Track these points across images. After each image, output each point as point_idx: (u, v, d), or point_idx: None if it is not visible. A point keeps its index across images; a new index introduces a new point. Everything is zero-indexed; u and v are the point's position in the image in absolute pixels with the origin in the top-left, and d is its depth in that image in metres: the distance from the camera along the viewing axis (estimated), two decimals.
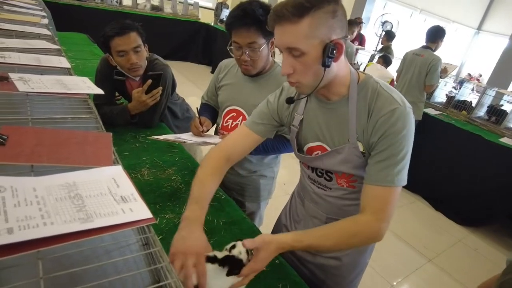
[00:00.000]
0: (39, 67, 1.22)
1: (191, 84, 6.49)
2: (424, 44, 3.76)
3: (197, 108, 1.58)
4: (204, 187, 0.98)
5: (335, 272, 1.19)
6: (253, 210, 1.73)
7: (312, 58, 0.83)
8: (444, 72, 4.00)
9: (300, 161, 1.16)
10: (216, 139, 1.46)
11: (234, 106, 1.54)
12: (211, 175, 1.02)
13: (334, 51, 0.81)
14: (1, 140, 0.66)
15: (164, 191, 1.37)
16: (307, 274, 1.21)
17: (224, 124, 1.57)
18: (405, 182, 0.89)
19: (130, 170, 1.45)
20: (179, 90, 2.09)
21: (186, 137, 1.49)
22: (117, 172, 0.66)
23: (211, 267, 0.77)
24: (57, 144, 0.72)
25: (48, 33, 1.77)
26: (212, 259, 0.78)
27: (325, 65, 0.82)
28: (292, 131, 1.09)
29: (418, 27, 10.13)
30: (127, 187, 0.62)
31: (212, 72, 7.39)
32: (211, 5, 11.60)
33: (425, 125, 3.78)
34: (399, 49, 5.73)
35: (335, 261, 1.17)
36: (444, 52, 4.32)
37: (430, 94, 4.23)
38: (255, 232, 1.24)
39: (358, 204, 1.04)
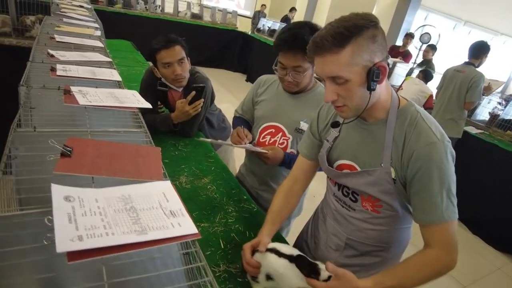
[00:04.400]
0: (94, 80, 1.33)
1: (225, 91, 6.63)
2: (467, 60, 3.63)
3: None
4: (275, 213, 1.16)
5: None
6: (283, 226, 1.73)
7: (356, 84, 0.84)
8: (488, 90, 3.84)
9: (327, 177, 1.17)
10: (258, 148, 1.48)
11: (273, 122, 1.54)
12: (282, 202, 1.19)
13: (379, 74, 0.83)
14: (68, 152, 0.74)
15: (200, 199, 1.43)
16: None
17: (261, 140, 1.58)
18: (457, 215, 0.89)
19: (170, 178, 1.53)
20: None
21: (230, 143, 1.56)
22: (167, 187, 0.72)
23: (282, 262, 0.93)
24: (113, 156, 0.79)
25: (101, 45, 1.91)
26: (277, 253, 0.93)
27: (371, 89, 0.84)
28: (324, 145, 1.11)
29: (462, 40, 9.75)
30: (176, 202, 0.68)
31: (247, 80, 7.53)
32: (249, 13, 11.81)
33: (464, 144, 3.63)
34: (441, 64, 5.54)
35: None
36: (490, 67, 4.14)
37: (471, 111, 4.06)
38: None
39: (381, 230, 1.06)
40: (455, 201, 0.89)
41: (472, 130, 3.87)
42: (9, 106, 1.26)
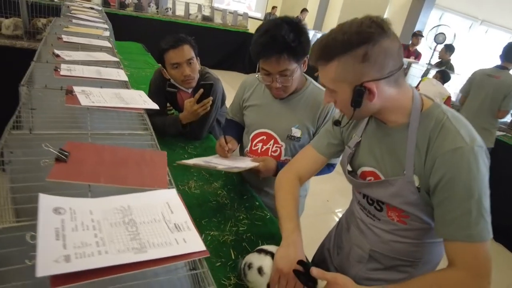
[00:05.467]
0: (99, 79, 1.27)
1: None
2: (499, 63, 3.38)
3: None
4: (289, 206, 1.04)
5: None
6: None
7: (342, 97, 0.84)
8: None
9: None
10: (248, 163, 1.39)
11: (263, 129, 1.45)
12: (290, 194, 1.08)
13: (363, 94, 0.80)
14: (63, 156, 0.67)
15: (210, 206, 1.35)
16: None
17: (253, 148, 1.49)
18: (490, 235, 0.76)
19: (178, 182, 1.46)
20: None
21: (216, 161, 1.42)
22: (171, 196, 0.64)
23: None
24: (114, 162, 0.72)
25: (109, 45, 1.86)
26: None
27: (354, 106, 0.82)
28: (345, 151, 1.05)
29: (478, 40, 9.48)
30: (181, 213, 0.60)
31: None
32: (260, 15, 11.80)
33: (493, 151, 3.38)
34: (457, 65, 5.36)
35: None
36: None
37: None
38: None
39: (408, 243, 0.97)
40: (488, 217, 0.76)
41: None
42: None
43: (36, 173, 0.69)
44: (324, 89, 0.91)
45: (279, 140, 1.43)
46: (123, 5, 6.58)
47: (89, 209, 0.56)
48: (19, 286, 0.45)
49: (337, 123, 0.98)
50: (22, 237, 0.54)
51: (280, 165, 1.38)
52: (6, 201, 0.73)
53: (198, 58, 1.77)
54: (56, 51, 1.45)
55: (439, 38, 5.97)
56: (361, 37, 0.76)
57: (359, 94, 0.79)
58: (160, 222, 0.57)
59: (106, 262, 0.46)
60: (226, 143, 1.45)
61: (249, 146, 1.52)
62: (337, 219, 1.33)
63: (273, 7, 9.58)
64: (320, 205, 3.11)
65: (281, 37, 1.16)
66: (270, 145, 1.45)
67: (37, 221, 0.48)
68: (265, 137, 1.46)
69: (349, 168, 1.06)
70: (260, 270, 0.91)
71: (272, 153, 1.46)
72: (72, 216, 0.53)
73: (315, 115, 1.38)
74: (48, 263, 0.42)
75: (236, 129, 1.59)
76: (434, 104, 0.86)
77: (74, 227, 0.51)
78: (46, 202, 0.53)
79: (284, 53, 1.18)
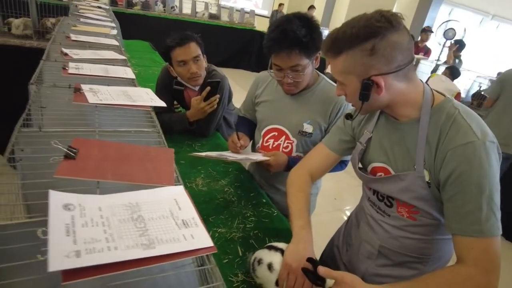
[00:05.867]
0: (107, 77, 1.28)
1: (243, 90, 6.57)
2: None
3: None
4: (300, 203, 1.05)
5: None
6: None
7: (351, 90, 0.86)
8: None
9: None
10: (259, 156, 1.40)
11: (274, 125, 1.46)
12: (301, 191, 1.08)
13: (370, 88, 0.81)
14: (72, 154, 0.68)
15: (217, 203, 1.36)
16: None
17: (265, 144, 1.50)
18: (500, 231, 0.76)
19: (186, 180, 1.47)
20: None
21: (228, 154, 1.45)
22: (179, 192, 0.65)
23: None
24: (122, 159, 0.73)
25: (116, 43, 1.87)
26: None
27: (362, 99, 0.83)
28: (356, 147, 1.05)
29: (489, 35, 9.32)
30: (189, 210, 0.61)
31: None
32: (266, 12, 11.76)
33: None
34: (468, 61, 5.26)
35: None
36: None
37: None
38: None
39: (418, 239, 0.96)
40: (498, 214, 0.76)
41: None
42: None
43: (45, 170, 0.70)
44: (336, 85, 0.92)
45: (290, 136, 1.43)
46: (130, 4, 6.62)
47: (98, 206, 0.56)
48: (31, 281, 0.46)
49: (348, 116, 0.98)
50: (33, 233, 0.55)
51: (291, 160, 1.38)
52: (17, 198, 0.74)
53: (204, 55, 1.77)
54: (64, 50, 1.47)
55: (448, 33, 5.87)
56: (369, 31, 0.77)
57: (367, 88, 0.81)
58: (168, 218, 0.58)
59: (116, 257, 0.47)
60: (239, 139, 1.45)
61: (260, 142, 1.52)
62: (345, 217, 1.33)
63: (280, 4, 9.52)
64: (327, 203, 3.10)
65: (292, 32, 1.16)
66: (281, 141, 1.45)
67: (48, 217, 0.49)
68: (276, 133, 1.46)
69: (359, 165, 1.05)
70: (270, 266, 0.91)
71: (284, 149, 1.46)
72: (81, 212, 0.54)
73: (327, 111, 1.38)
74: (59, 258, 0.43)
75: (248, 126, 1.60)
76: (446, 98, 0.86)
77: (84, 223, 0.51)
78: (56, 198, 0.54)
79: (295, 48, 1.19)
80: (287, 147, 1.45)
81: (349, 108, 1.26)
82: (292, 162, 1.36)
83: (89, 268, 0.45)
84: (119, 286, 0.47)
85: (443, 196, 0.82)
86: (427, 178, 0.85)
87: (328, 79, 1.43)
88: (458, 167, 0.76)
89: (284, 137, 1.44)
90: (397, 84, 0.82)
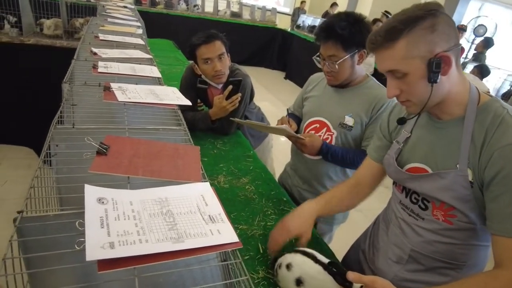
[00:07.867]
0: (134, 76, 1.32)
1: (263, 89, 6.58)
2: None
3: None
4: (326, 193, 1.15)
5: None
6: (325, 231, 1.65)
7: (416, 77, 0.80)
8: None
9: (393, 183, 1.07)
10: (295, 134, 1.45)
11: (318, 117, 1.50)
12: (335, 187, 1.18)
13: (440, 65, 0.77)
14: (104, 150, 0.71)
15: (239, 200, 1.38)
16: None
17: None
18: None
19: (208, 177, 1.49)
20: None
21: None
22: (206, 189, 0.66)
23: (316, 267, 0.88)
24: (151, 156, 0.75)
25: (142, 42, 1.92)
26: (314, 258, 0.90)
27: (432, 81, 0.79)
28: (392, 146, 1.03)
29: None
30: (215, 206, 0.62)
31: (286, 77, 7.46)
32: (288, 10, 11.69)
33: None
34: (500, 59, 5.04)
35: None
36: None
37: None
38: (324, 251, 1.18)
39: (453, 244, 0.93)
40: None
41: None
42: None
43: (78, 165, 0.74)
44: (384, 86, 0.91)
45: (331, 127, 1.46)
46: (154, 3, 6.75)
47: (129, 200, 0.59)
48: (68, 269, 0.49)
49: (401, 121, 0.96)
50: (68, 224, 0.58)
51: (325, 145, 1.41)
52: (52, 191, 0.79)
53: (228, 54, 1.79)
54: (94, 49, 1.52)
55: (479, 30, 5.62)
56: (425, 10, 0.77)
57: (436, 66, 0.77)
58: (195, 213, 0.59)
59: (147, 250, 0.49)
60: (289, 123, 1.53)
61: (301, 133, 1.55)
62: (364, 217, 1.31)
63: (302, 2, 9.43)
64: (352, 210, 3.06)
65: (332, 24, 1.28)
66: (322, 132, 1.49)
67: (85, 209, 0.52)
68: (318, 125, 1.51)
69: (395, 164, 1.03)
70: (288, 266, 0.92)
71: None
72: (114, 206, 0.56)
73: (370, 106, 1.40)
74: (95, 248, 0.46)
75: (296, 119, 1.64)
76: (493, 98, 0.85)
77: (117, 217, 0.54)
78: (91, 192, 0.57)
79: (331, 38, 1.29)
80: (327, 138, 1.48)
81: (392, 104, 1.26)
82: (325, 147, 1.40)
83: (122, 259, 0.47)
84: (149, 277, 0.49)
85: (487, 196, 0.80)
86: (470, 178, 0.83)
87: (376, 80, 1.46)
88: (505, 167, 0.75)
89: (325, 129, 1.48)
90: (454, 69, 0.81)
